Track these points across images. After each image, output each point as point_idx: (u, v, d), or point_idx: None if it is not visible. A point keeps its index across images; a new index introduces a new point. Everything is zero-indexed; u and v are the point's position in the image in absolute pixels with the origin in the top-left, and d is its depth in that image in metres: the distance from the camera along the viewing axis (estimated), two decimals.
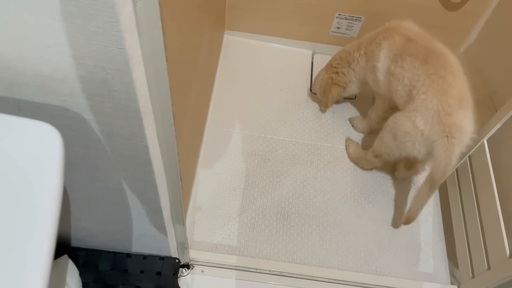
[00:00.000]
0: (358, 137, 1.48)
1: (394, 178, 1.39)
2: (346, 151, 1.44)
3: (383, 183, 1.39)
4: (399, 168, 1.36)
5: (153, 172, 0.64)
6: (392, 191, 1.37)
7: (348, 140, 1.45)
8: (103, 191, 0.71)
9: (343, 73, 1.33)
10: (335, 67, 1.34)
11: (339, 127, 1.50)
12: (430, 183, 1.07)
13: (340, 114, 1.53)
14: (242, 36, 1.67)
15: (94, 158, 0.62)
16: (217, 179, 1.34)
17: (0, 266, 0.39)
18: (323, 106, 1.46)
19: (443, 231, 1.32)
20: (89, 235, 0.88)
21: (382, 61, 1.16)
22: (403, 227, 1.30)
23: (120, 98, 0.50)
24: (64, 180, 0.44)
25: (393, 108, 1.28)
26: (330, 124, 1.50)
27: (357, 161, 1.40)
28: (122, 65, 0.45)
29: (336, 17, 1.54)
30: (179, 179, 0.75)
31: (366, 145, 1.43)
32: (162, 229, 0.82)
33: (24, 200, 0.42)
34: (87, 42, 0.43)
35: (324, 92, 1.39)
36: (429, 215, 1.35)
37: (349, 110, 1.55)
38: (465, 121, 1.02)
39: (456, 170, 1.28)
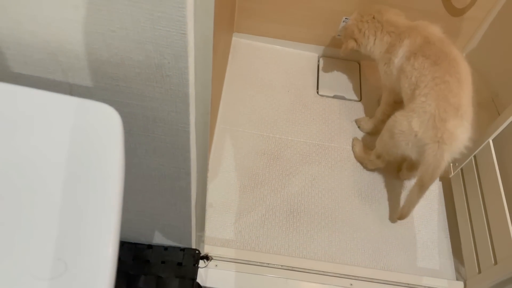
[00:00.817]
0: (364, 138, 1.52)
1: (398, 178, 1.43)
2: (352, 150, 1.47)
3: (389, 182, 1.42)
4: (402, 169, 1.40)
5: (189, 159, 0.66)
6: (397, 191, 1.41)
7: (354, 139, 1.49)
8: (136, 178, 0.73)
9: (364, 34, 1.33)
10: (362, 23, 1.33)
11: (345, 128, 1.54)
12: (420, 184, 1.11)
13: (346, 115, 1.57)
14: (249, 39, 1.71)
15: (134, 144, 0.64)
16: (228, 177, 1.37)
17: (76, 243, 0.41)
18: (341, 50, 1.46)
19: (448, 229, 1.36)
20: None
21: (399, 57, 1.20)
22: (409, 225, 1.34)
23: (171, 83, 0.53)
24: None
25: (398, 103, 1.32)
26: (337, 125, 1.54)
27: (361, 161, 1.44)
28: (180, 50, 0.48)
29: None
30: (206, 168, 0.78)
31: (372, 146, 1.47)
32: (187, 219, 0.84)
33: (96, 178, 0.44)
34: (151, 27, 0.46)
35: (344, 37, 1.41)
36: (434, 213, 1.39)
37: (355, 111, 1.58)
38: (460, 129, 1.05)
39: (461, 169, 1.32)
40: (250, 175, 1.38)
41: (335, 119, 1.56)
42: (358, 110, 1.59)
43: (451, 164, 1.37)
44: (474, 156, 1.26)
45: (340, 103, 1.61)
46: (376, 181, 1.43)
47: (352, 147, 1.48)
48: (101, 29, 0.47)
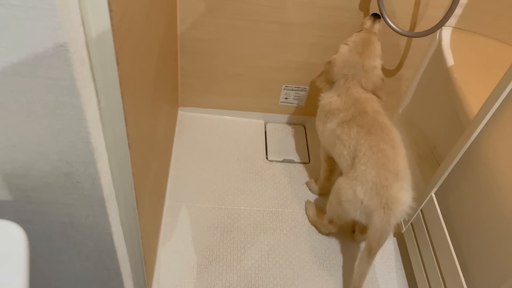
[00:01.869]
0: (317, 200, 1.52)
1: (354, 240, 1.42)
2: (306, 214, 1.47)
3: (345, 244, 1.41)
4: (356, 232, 1.41)
5: (117, 259, 0.63)
6: (354, 252, 1.40)
7: (307, 202, 1.49)
8: (63, 284, 0.68)
9: (329, 78, 1.30)
10: (337, 73, 1.27)
11: (297, 192, 1.54)
12: (368, 250, 1.12)
13: (297, 179, 1.58)
14: (196, 111, 1.73)
15: (55, 250, 0.61)
16: (180, 257, 1.31)
17: None
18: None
19: (407, 285, 1.34)
20: None
21: (332, 123, 1.24)
22: (370, 285, 1.31)
23: (84, 189, 0.51)
24: None
25: (332, 157, 1.34)
26: (288, 190, 1.54)
27: (315, 224, 1.43)
28: (87, 157, 0.47)
29: (284, 89, 1.64)
30: (142, 264, 0.74)
31: (325, 207, 1.47)
32: None
33: None
34: (53, 139, 0.45)
35: (327, 69, 1.33)
36: (393, 271, 1.37)
37: (305, 174, 1.60)
38: (401, 193, 1.09)
39: (412, 224, 1.33)
40: (204, 252, 1.33)
41: (286, 183, 1.57)
42: (308, 172, 1.61)
43: (402, 220, 1.39)
44: (421, 210, 1.28)
45: (290, 167, 1.63)
46: (332, 244, 1.41)
47: (306, 211, 1.48)
48: (1, 145, 0.45)
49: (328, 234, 1.42)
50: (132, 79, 0.63)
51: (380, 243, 1.08)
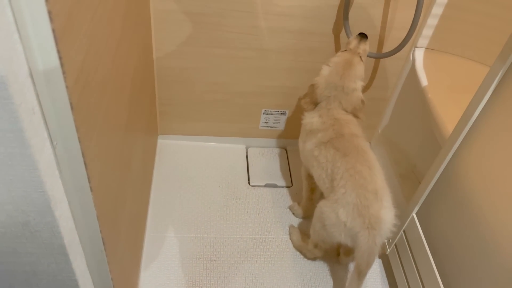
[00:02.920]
0: (301, 224, 1.51)
1: (339, 263, 1.41)
2: (290, 239, 1.45)
3: (331, 268, 1.40)
4: (340, 254, 1.39)
5: None
6: (340, 275, 1.38)
7: (291, 227, 1.47)
8: None
9: (312, 99, 1.30)
10: (320, 94, 1.27)
11: (280, 216, 1.52)
12: (358, 272, 1.11)
13: (280, 203, 1.57)
14: (176, 139, 1.71)
15: None
16: None
17: None
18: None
19: None
20: None
21: (311, 143, 1.24)
22: None
23: (43, 238, 0.49)
24: None
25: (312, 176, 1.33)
26: (272, 215, 1.53)
27: (300, 249, 1.41)
28: (43, 206, 0.45)
29: (263, 113, 1.65)
30: None
31: (309, 231, 1.46)
32: None
33: None
34: (5, 189, 0.43)
35: (306, 94, 1.33)
36: None
37: (288, 198, 1.59)
38: (383, 211, 1.09)
39: (395, 245, 1.33)
40: (187, 284, 1.30)
41: (269, 208, 1.55)
42: (291, 195, 1.60)
43: (386, 241, 1.38)
44: (404, 231, 1.28)
45: (273, 191, 1.61)
46: (318, 268, 1.39)
47: (290, 236, 1.46)
48: None
49: (313, 259, 1.40)
50: (97, 118, 0.62)
51: (368, 264, 1.08)
